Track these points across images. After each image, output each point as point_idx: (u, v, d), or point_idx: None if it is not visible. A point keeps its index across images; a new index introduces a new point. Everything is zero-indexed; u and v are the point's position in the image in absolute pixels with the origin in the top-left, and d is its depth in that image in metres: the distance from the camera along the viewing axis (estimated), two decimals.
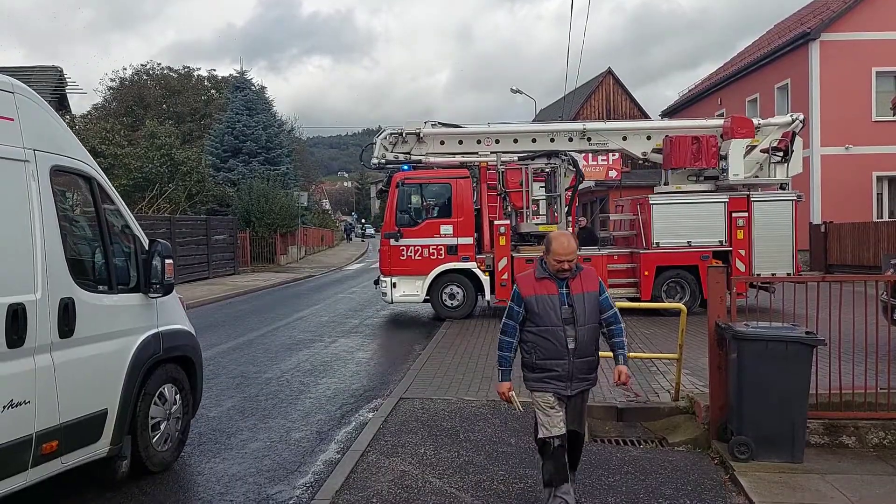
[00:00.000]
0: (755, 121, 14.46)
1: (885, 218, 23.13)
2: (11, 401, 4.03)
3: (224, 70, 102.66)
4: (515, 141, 14.57)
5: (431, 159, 14.41)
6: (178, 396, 5.69)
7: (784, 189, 13.97)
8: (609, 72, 43.04)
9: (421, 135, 14.29)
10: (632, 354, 9.11)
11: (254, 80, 39.04)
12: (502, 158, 14.28)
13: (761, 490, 4.96)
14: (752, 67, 27.69)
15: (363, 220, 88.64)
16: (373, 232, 76.20)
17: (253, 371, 9.47)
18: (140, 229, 5.52)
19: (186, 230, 24.24)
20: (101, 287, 4.96)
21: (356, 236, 72.14)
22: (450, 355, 9.98)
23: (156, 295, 5.38)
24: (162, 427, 5.46)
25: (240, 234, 29.60)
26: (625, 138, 14.76)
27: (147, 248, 5.38)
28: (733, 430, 5.73)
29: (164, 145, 30.75)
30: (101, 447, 4.85)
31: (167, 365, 5.54)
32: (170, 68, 48.19)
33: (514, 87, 37.98)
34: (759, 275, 12.85)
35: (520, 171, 14.36)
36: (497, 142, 14.46)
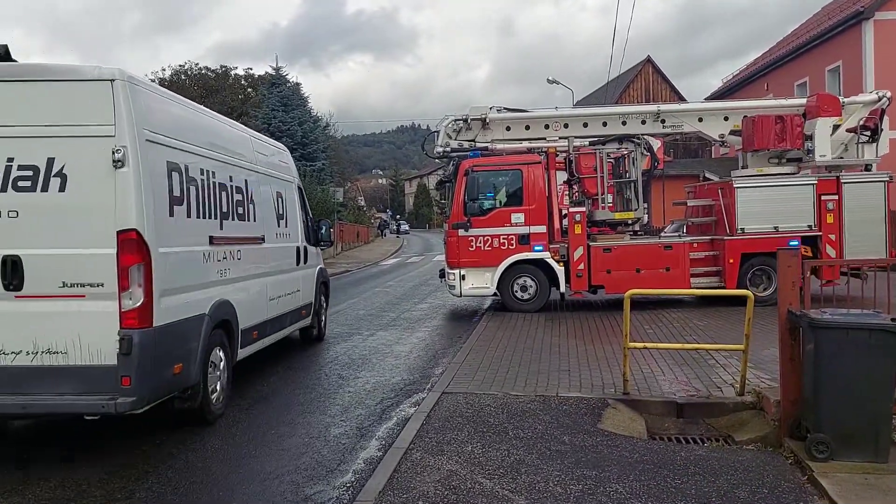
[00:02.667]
0: (840, 99, 13.67)
1: None
2: (297, 289, 9.34)
3: (264, 68, 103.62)
4: (585, 125, 13.91)
5: (497, 146, 13.85)
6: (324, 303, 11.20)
7: (868, 170, 13.20)
8: (648, 60, 42.21)
9: (487, 120, 13.72)
10: (692, 346, 8.72)
11: (289, 77, 39.09)
12: (574, 143, 13.66)
13: (847, 494, 4.47)
14: (802, 50, 26.56)
15: (398, 216, 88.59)
16: (407, 228, 76.19)
17: (290, 364, 9.22)
18: (311, 211, 10.88)
19: None
20: (307, 241, 10.08)
21: (391, 233, 72.08)
22: (492, 349, 9.58)
23: (323, 248, 11.12)
24: (323, 318, 11.11)
25: None
26: (700, 120, 14.00)
27: (316, 221, 10.76)
28: (808, 426, 5.25)
29: None
30: (308, 320, 10.23)
31: (322, 285, 10.85)
32: (207, 68, 48.62)
33: (550, 78, 37.13)
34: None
35: (593, 156, 13.53)
36: (566, 126, 13.83)
